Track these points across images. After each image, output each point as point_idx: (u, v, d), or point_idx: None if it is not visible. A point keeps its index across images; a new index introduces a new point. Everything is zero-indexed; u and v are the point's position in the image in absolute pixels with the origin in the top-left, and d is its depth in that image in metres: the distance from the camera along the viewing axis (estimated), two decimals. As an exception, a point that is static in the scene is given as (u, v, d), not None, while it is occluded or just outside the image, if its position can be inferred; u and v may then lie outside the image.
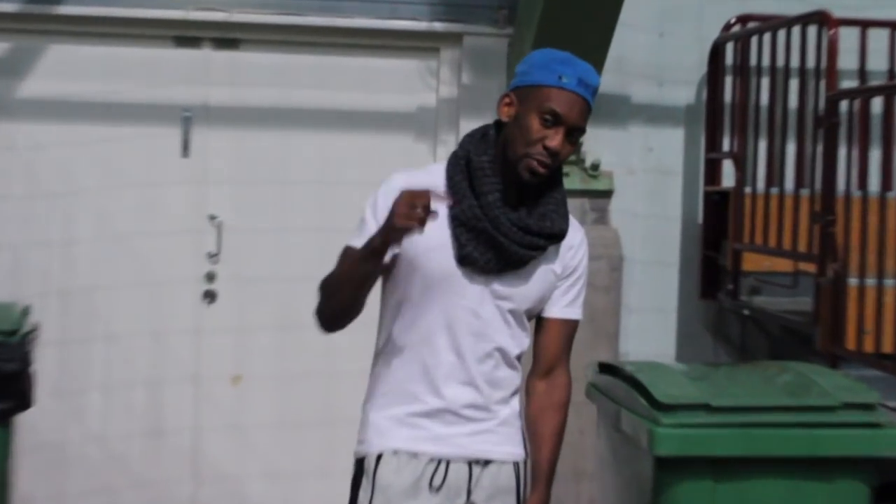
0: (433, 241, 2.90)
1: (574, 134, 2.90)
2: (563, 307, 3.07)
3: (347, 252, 2.97)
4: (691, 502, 3.34)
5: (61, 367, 5.82)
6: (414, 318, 2.98)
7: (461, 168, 2.96)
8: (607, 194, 5.96)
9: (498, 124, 3.02)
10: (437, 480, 2.97)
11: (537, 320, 3.08)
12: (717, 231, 5.88)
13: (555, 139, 2.86)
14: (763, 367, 4.29)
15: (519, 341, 3.04)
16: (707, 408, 3.53)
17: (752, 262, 5.59)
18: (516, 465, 3.06)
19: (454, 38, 5.85)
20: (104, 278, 5.86)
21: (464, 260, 2.92)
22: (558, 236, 2.98)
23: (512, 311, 2.99)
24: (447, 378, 2.97)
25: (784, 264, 5.39)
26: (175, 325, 5.92)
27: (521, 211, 2.93)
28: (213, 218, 5.91)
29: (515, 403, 3.08)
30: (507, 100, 2.97)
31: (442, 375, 2.97)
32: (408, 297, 2.99)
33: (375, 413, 3.03)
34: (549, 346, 3.08)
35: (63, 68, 5.79)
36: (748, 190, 5.61)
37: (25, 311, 4.75)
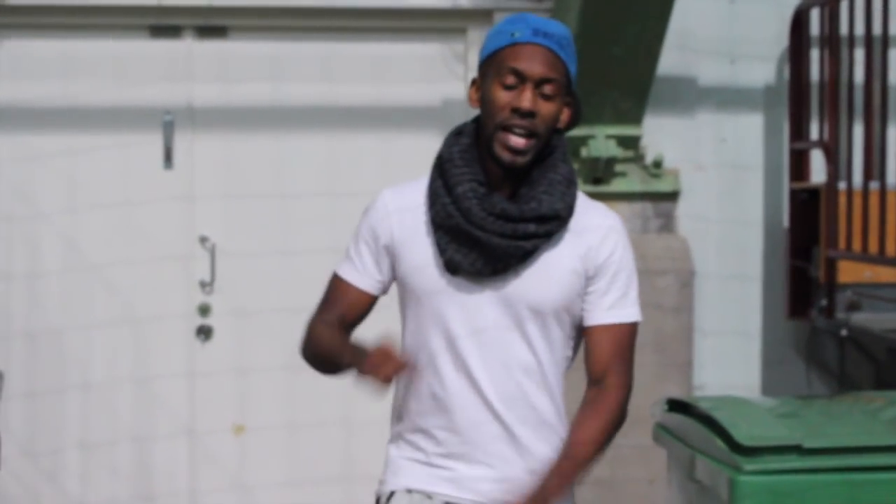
0: (420, 257, 3.00)
1: (548, 88, 2.94)
2: (604, 311, 3.06)
3: (336, 285, 3.10)
4: (783, 565, 3.34)
5: (31, 422, 5.88)
6: (417, 340, 3.05)
7: (435, 167, 3.04)
8: (673, 196, 5.97)
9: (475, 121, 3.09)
10: None
11: (583, 332, 3.09)
12: (806, 236, 5.87)
13: (523, 98, 2.91)
14: (866, 400, 4.28)
15: (552, 355, 3.05)
16: (799, 450, 3.51)
17: (850, 272, 5.60)
18: None
19: (484, 16, 5.88)
20: (77, 317, 5.92)
21: (450, 267, 2.98)
22: (550, 217, 2.98)
23: (531, 318, 3.01)
24: (462, 409, 3.02)
25: (889, 274, 5.37)
26: (164, 368, 5.97)
27: (498, 197, 2.97)
28: (204, 240, 5.96)
29: (558, 443, 3.07)
30: (473, 87, 3.05)
31: (455, 407, 3.02)
32: (409, 317, 3.08)
33: (394, 451, 3.13)
34: (596, 358, 3.06)
35: (17, 67, 5.84)
36: (843, 186, 5.60)
37: (-16, 361, 4.79)
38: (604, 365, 3.05)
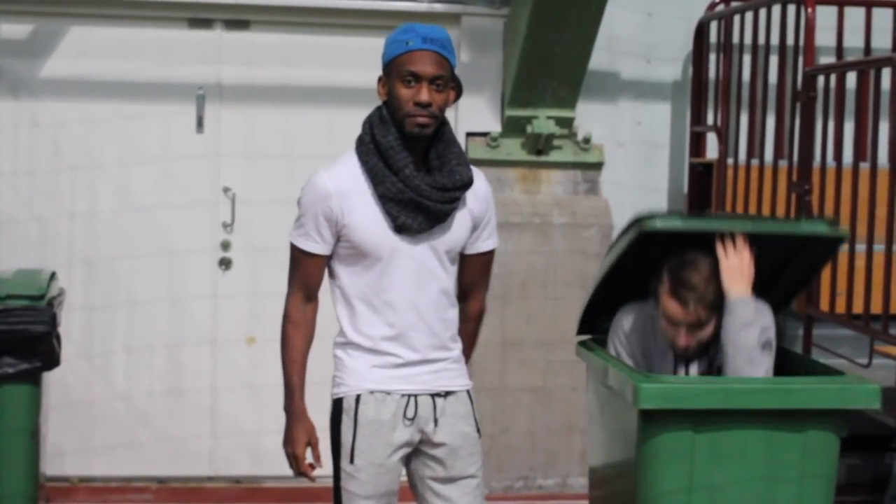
0: (368, 223, 3.20)
1: (438, 82, 3.17)
2: (481, 242, 3.39)
3: (304, 259, 3.30)
4: (672, 452, 3.39)
5: (87, 330, 5.90)
6: (372, 285, 3.25)
7: (372, 151, 3.22)
8: (598, 166, 5.99)
9: (385, 106, 3.27)
10: (410, 413, 3.28)
11: (460, 258, 3.38)
12: (701, 200, 5.93)
13: (421, 93, 3.14)
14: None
15: (454, 281, 3.36)
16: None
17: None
18: (468, 392, 3.39)
19: (453, 19, 5.87)
20: (126, 248, 5.92)
21: (400, 229, 3.20)
22: (468, 184, 3.26)
23: (447, 258, 3.29)
24: (411, 331, 3.26)
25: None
26: (193, 290, 5.99)
27: (435, 174, 3.21)
28: (226, 190, 5.96)
29: (459, 341, 3.40)
30: (380, 83, 3.27)
31: (407, 330, 3.26)
32: (362, 269, 3.26)
33: (351, 360, 3.30)
34: (469, 277, 3.43)
35: (82, 49, 5.82)
36: (730, 161, 5.65)
37: (52, 278, 4.83)
38: (472, 283, 3.44)
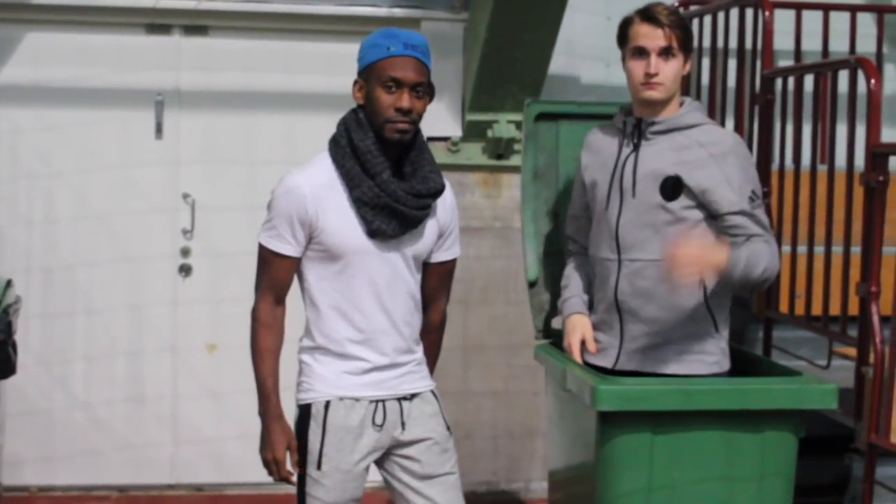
0: (342, 226, 3.18)
1: (419, 89, 3.18)
2: (443, 252, 3.42)
3: (274, 260, 3.26)
4: (632, 453, 3.41)
5: (46, 338, 5.87)
6: (341, 288, 3.24)
7: (349, 154, 3.20)
8: (559, 169, 6.01)
9: (362, 108, 3.25)
10: (379, 419, 3.28)
11: (423, 267, 3.39)
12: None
13: (402, 99, 3.14)
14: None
15: (418, 284, 3.36)
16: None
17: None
18: (433, 391, 3.42)
19: (413, 23, 5.87)
20: (84, 255, 5.89)
21: (374, 234, 3.19)
22: (441, 191, 3.28)
23: (415, 264, 3.31)
24: (380, 335, 3.26)
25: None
26: (153, 297, 5.97)
27: (410, 180, 3.21)
28: (186, 196, 5.95)
29: (421, 342, 3.43)
30: (357, 86, 3.24)
31: (376, 334, 3.26)
32: (331, 273, 3.24)
33: (319, 366, 3.30)
34: (430, 286, 3.43)
35: (39, 55, 5.80)
36: (690, 163, 5.66)
37: (7, 285, 4.79)
38: (436, 290, 3.45)
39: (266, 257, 3.28)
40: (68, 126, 5.84)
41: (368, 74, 3.19)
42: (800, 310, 4.83)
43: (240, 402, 6.00)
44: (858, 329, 4.44)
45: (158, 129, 5.92)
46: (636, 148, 3.61)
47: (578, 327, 3.75)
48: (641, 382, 3.51)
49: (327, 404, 3.26)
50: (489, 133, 5.80)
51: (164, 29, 5.90)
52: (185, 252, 5.97)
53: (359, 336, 3.26)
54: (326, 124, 5.89)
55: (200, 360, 6.01)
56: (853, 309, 4.55)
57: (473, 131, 5.83)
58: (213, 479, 6.02)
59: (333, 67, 5.94)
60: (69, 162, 5.86)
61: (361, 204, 3.17)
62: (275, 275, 3.27)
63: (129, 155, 5.91)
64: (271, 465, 3.28)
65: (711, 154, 3.54)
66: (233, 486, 5.97)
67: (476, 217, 5.80)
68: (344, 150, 3.22)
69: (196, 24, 5.91)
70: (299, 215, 3.19)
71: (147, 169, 5.91)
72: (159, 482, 5.99)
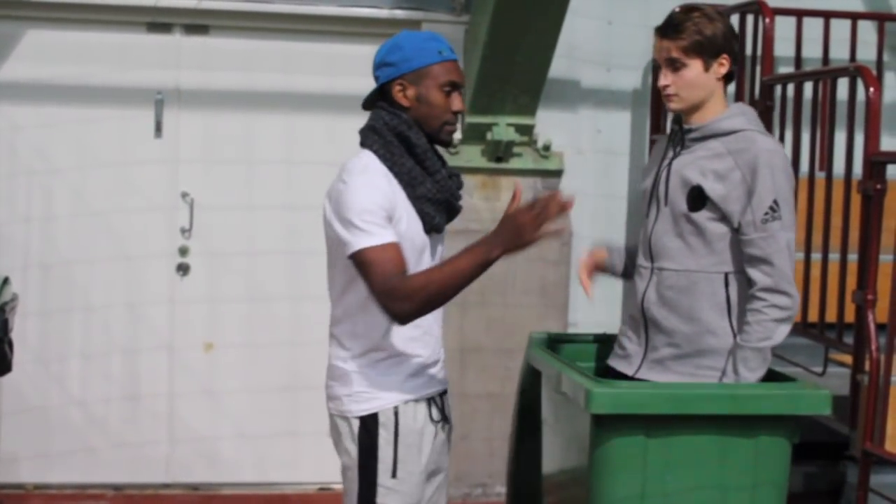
0: (411, 223, 3.18)
1: (462, 89, 3.28)
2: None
3: (391, 250, 3.04)
4: (625, 456, 3.39)
5: (43, 336, 5.87)
6: None
7: (407, 155, 3.20)
8: (558, 174, 6.01)
9: (404, 109, 3.22)
10: (436, 415, 3.33)
11: None
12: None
13: (458, 103, 3.23)
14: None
15: None
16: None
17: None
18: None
19: (414, 25, 5.87)
20: (82, 253, 5.89)
21: (432, 229, 3.24)
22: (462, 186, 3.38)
23: (442, 250, 3.37)
24: (433, 325, 3.31)
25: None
26: (150, 296, 5.97)
27: (455, 178, 3.31)
28: (184, 195, 5.95)
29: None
30: (398, 87, 3.21)
31: (431, 327, 3.29)
32: None
33: (376, 372, 3.21)
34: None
35: (40, 53, 5.80)
36: (689, 169, 5.66)
37: (4, 282, 4.79)
38: None
39: (377, 258, 3.04)
40: (68, 123, 5.84)
41: (419, 77, 3.19)
42: (796, 317, 4.83)
43: (236, 401, 6.03)
44: (854, 337, 4.46)
45: (158, 128, 5.92)
46: (676, 155, 3.59)
47: (592, 257, 3.90)
48: (635, 386, 3.51)
49: (396, 409, 3.22)
50: (489, 136, 5.80)
51: (164, 28, 5.90)
52: (184, 251, 5.97)
53: (416, 332, 3.23)
54: (323, 125, 6.05)
55: (197, 359, 6.00)
56: (849, 316, 4.56)
57: (473, 134, 5.84)
58: (208, 478, 6.01)
59: (333, 68, 5.97)
60: (68, 159, 5.86)
61: (424, 201, 3.19)
62: (395, 261, 3.05)
63: (129, 153, 5.90)
64: (540, 212, 3.12)
65: (738, 163, 3.42)
66: (228, 485, 5.96)
67: (475, 220, 5.80)
68: (399, 149, 3.19)
69: (197, 24, 5.91)
70: (386, 207, 3.09)
71: (146, 167, 5.91)
72: (155, 481, 5.99)
